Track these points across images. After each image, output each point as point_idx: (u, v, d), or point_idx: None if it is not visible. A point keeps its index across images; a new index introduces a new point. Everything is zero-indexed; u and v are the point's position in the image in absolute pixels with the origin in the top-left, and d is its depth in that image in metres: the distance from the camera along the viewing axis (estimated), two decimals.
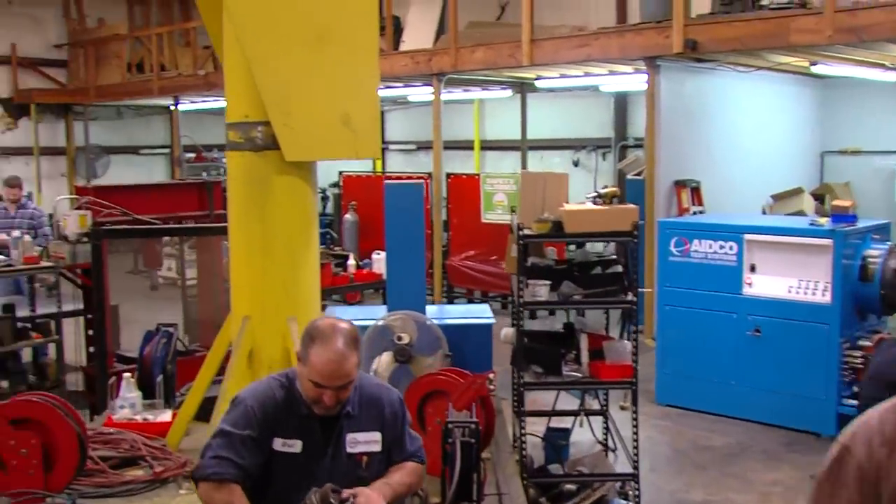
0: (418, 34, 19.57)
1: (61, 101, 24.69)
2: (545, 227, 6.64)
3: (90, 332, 8.71)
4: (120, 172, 25.64)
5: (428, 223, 15.52)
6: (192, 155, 25.83)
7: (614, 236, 6.86)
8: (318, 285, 5.80)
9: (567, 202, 6.96)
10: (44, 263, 8.66)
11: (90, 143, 24.67)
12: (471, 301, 16.43)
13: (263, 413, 4.00)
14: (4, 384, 8.32)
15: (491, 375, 5.57)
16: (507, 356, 7.43)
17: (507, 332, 7.07)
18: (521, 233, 6.72)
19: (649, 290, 8.88)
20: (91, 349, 8.65)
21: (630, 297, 6.72)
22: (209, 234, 8.96)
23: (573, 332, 7.05)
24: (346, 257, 12.16)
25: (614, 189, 6.90)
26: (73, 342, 9.56)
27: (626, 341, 6.86)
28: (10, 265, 8.58)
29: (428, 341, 6.84)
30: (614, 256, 7.24)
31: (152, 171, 26.50)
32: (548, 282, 6.73)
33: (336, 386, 3.88)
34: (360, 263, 12.14)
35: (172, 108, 23.30)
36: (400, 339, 6.80)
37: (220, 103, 17.77)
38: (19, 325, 8.43)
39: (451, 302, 16.21)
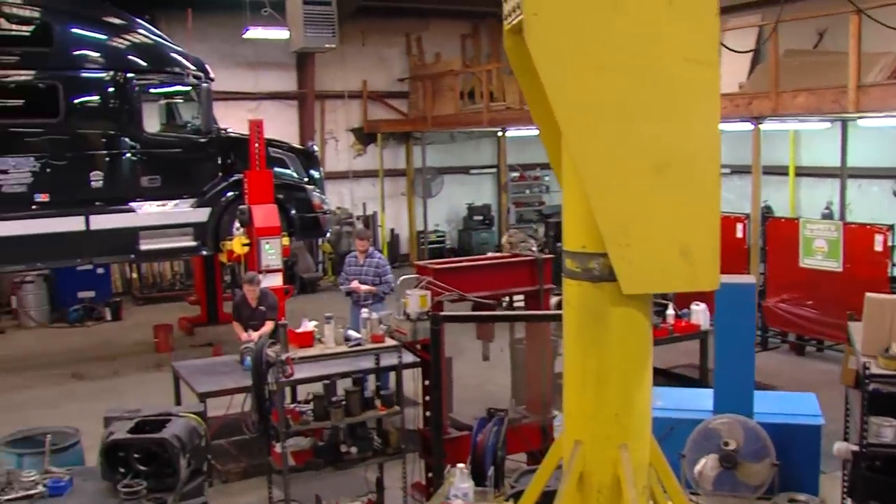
0: (733, 65, 18.52)
1: (403, 130, 25.32)
2: (894, 364, 5.78)
3: (426, 398, 8.60)
4: (451, 191, 26.14)
5: (745, 261, 14.65)
6: (516, 174, 25.92)
7: None
8: (650, 413, 5.29)
9: None
10: (388, 342, 8.61)
11: (426, 166, 25.14)
12: (784, 340, 15.37)
13: None
14: (353, 450, 8.36)
15: None
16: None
17: (841, 448, 6.28)
18: (867, 371, 5.88)
19: None
20: (427, 413, 8.54)
21: None
22: (537, 320, 8.64)
23: None
24: (665, 306, 11.50)
25: None
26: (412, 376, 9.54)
27: None
28: (358, 344, 8.59)
29: (755, 448, 6.19)
30: None
31: (480, 190, 26.76)
32: (894, 421, 5.88)
33: None
34: (679, 313, 11.45)
35: (500, 133, 23.30)
36: (727, 444, 6.20)
37: None
38: (366, 394, 8.43)
39: (765, 343, 15.21)
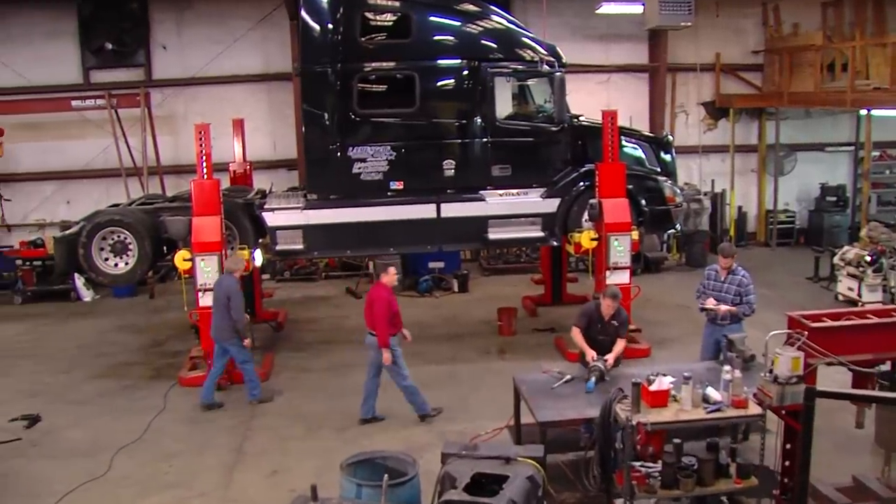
0: None
1: (756, 106, 22.99)
2: None
3: (786, 463, 7.00)
4: (804, 169, 23.60)
5: None
6: (876, 154, 22.84)
7: None
8: None
9: None
10: (751, 409, 7.04)
11: (779, 142, 22.75)
12: None
13: None
14: None
15: None
16: None
17: None
18: None
19: None
20: (785, 480, 6.95)
21: None
22: None
23: None
24: None
25: None
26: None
27: None
28: (718, 409, 7.10)
29: None
30: None
31: (835, 169, 23.81)
32: None
33: None
34: None
35: (863, 112, 20.44)
36: None
37: None
38: (721, 461, 6.99)
39: None
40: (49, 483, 10.00)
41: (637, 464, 7.31)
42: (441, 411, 11.61)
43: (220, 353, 12.35)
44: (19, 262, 19.68)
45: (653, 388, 7.39)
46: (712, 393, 7.46)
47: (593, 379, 9.43)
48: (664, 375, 7.82)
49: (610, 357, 9.88)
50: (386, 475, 7.05)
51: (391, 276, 11.48)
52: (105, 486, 10.01)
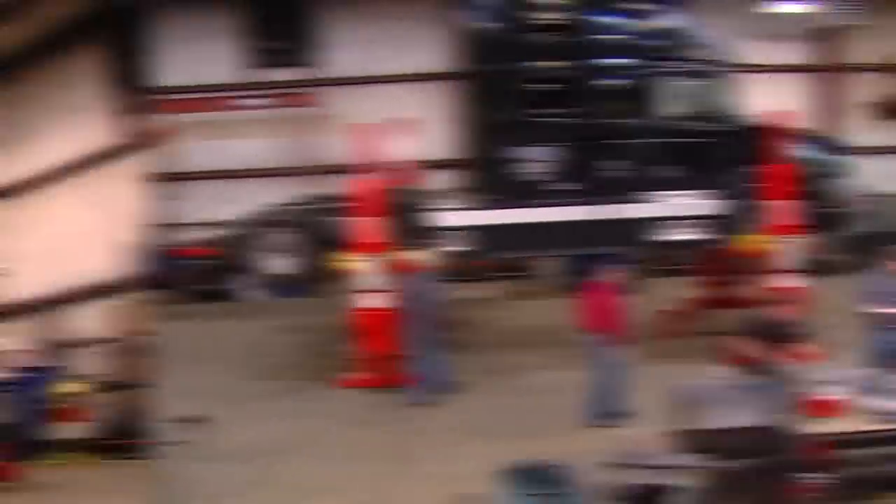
0: None
1: None
2: None
3: None
4: None
5: None
6: None
7: None
8: None
9: None
10: None
11: None
12: None
13: None
14: None
15: None
16: None
17: None
18: None
19: None
20: None
21: None
22: None
23: None
24: None
25: None
26: None
27: None
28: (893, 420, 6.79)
29: None
30: None
31: None
32: None
33: None
34: None
35: None
36: None
37: None
38: None
39: None
40: (204, 485, 9.92)
41: (805, 475, 7.09)
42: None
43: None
44: (187, 261, 20.01)
45: (824, 396, 7.15)
46: (887, 402, 7.15)
47: (760, 381, 9.14)
48: (836, 383, 7.55)
49: (789, 362, 9.55)
50: (548, 485, 6.94)
51: (608, 275, 11.44)
52: (262, 490, 9.93)
